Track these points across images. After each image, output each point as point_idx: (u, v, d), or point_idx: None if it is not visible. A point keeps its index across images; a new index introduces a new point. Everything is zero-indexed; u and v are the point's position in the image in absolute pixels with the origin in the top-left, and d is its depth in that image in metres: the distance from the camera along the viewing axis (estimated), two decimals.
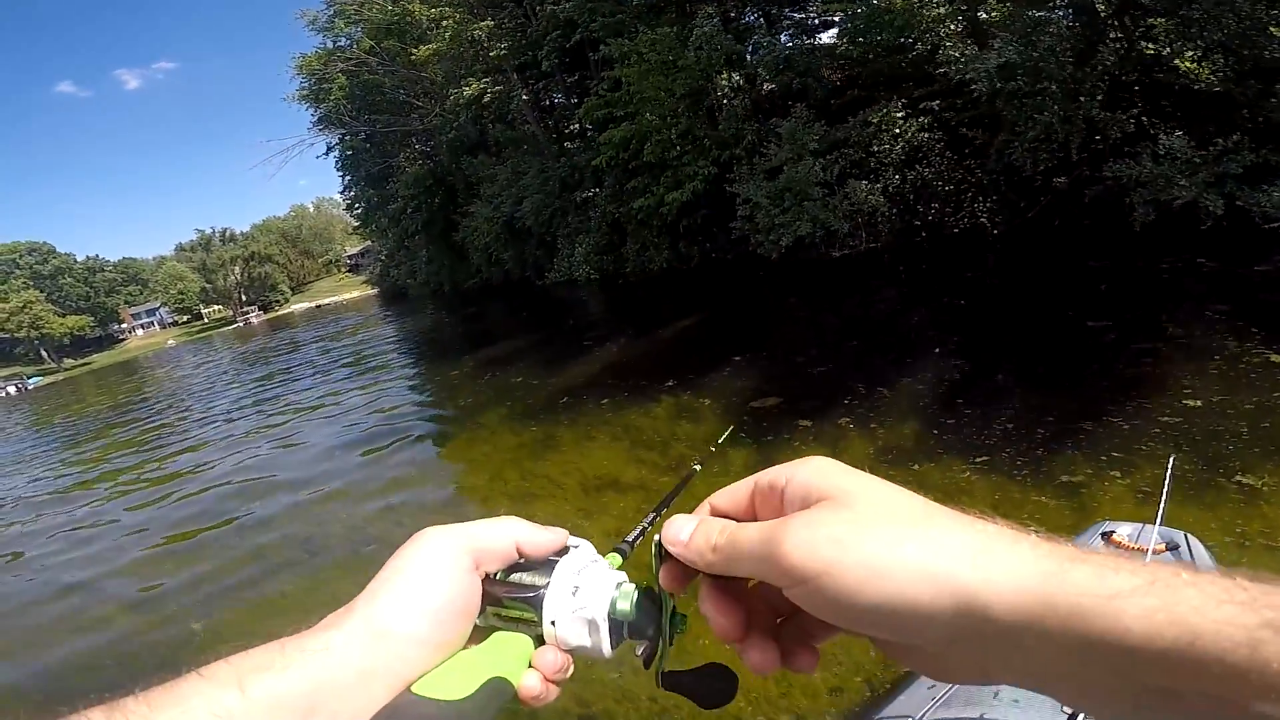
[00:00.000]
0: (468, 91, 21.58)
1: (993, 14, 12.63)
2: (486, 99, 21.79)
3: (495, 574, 0.50)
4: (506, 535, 0.50)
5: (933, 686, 1.84)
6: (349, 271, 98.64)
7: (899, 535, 0.34)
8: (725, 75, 15.63)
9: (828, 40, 17.14)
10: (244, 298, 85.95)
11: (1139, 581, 0.29)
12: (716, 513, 0.45)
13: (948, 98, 12.71)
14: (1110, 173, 10.17)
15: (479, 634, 0.48)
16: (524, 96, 22.69)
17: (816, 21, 17.98)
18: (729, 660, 0.47)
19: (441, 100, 26.32)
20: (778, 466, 0.42)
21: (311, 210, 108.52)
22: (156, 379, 29.02)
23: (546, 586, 0.48)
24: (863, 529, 0.34)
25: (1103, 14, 10.96)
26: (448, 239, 29.50)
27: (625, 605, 0.47)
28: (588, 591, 0.48)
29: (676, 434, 5.62)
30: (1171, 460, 2.26)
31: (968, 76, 11.37)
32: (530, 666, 0.47)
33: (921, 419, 4.84)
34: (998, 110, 11.64)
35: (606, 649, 0.48)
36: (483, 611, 0.49)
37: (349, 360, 17.01)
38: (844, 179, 13.21)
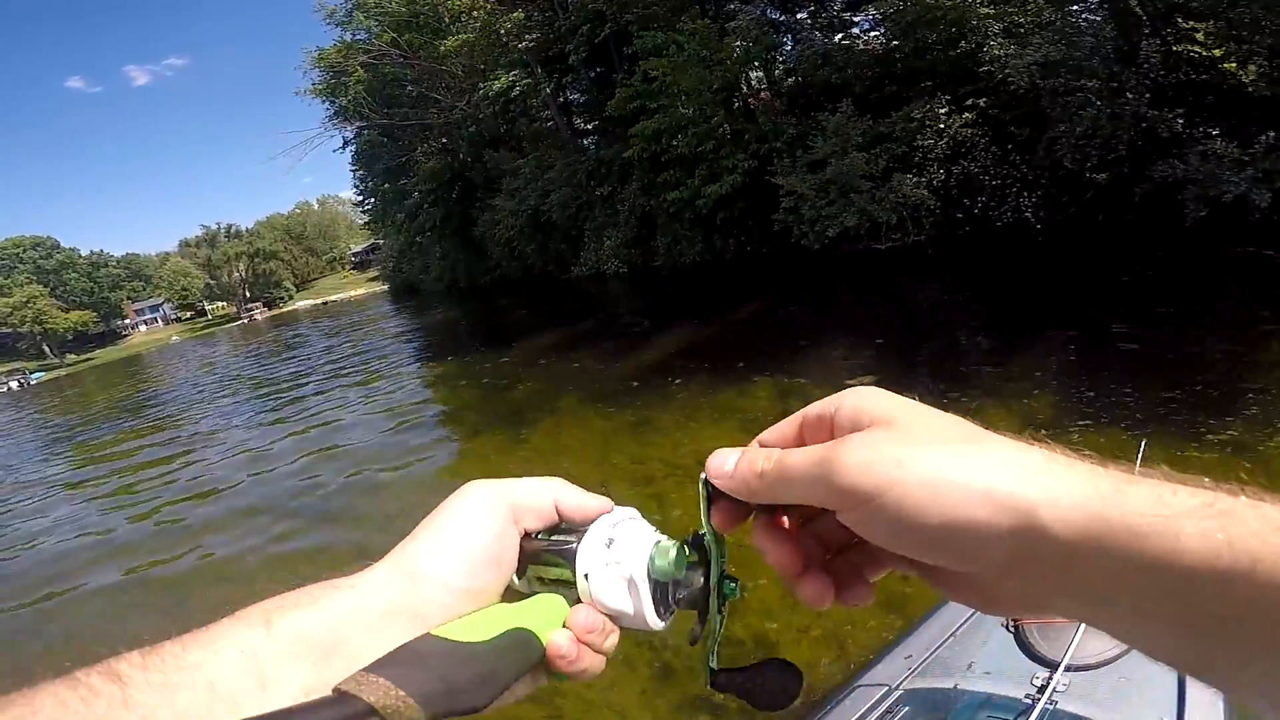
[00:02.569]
0: (497, 84, 21.45)
1: (1033, 16, 12.73)
2: (516, 92, 21.66)
3: (536, 534, 0.48)
4: (547, 493, 0.48)
5: (909, 656, 1.87)
6: (353, 269, 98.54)
7: (958, 454, 0.32)
8: (765, 69, 15.55)
9: (863, 35, 17.13)
10: (248, 294, 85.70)
11: (1197, 503, 0.28)
12: (765, 445, 0.42)
13: (993, 94, 12.71)
14: (1159, 172, 10.24)
15: (519, 598, 0.46)
16: (548, 90, 22.66)
17: (852, 18, 17.94)
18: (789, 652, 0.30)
19: (463, 94, 26.23)
20: (825, 399, 0.39)
21: (316, 207, 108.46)
22: (183, 373, 28.76)
23: (580, 539, 0.46)
24: (921, 448, 0.33)
25: (1144, 17, 10.99)
26: (465, 233, 29.33)
27: (664, 562, 0.44)
28: (623, 545, 0.45)
29: (789, 411, 5.42)
30: (1143, 444, 2.45)
31: (1006, 73, 11.59)
32: (564, 626, 0.44)
33: (1023, 394, 4.88)
34: (1043, 107, 11.66)
35: (650, 615, 0.45)
36: (524, 573, 0.47)
37: (396, 351, 16.91)
38: (889, 173, 13.18)
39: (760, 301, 11.14)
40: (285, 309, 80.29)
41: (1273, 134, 9.33)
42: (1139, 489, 0.29)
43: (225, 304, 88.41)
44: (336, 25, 30.28)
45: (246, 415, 12.25)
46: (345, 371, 14.96)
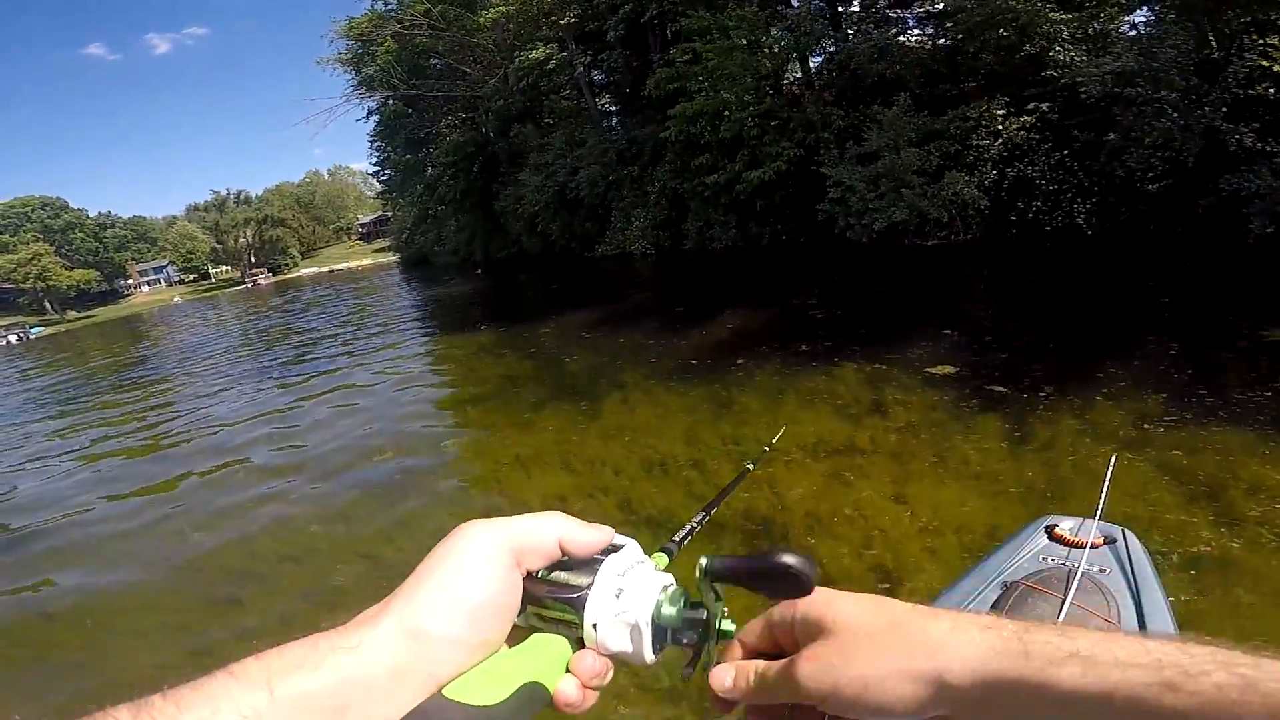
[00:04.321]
0: (534, 54, 20.97)
1: (1106, 22, 12.47)
2: (551, 64, 21.19)
3: (537, 572, 0.47)
4: (550, 531, 0.47)
5: None
6: (360, 239, 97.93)
7: (879, 651, 0.43)
8: (813, 60, 15.20)
9: (919, 31, 16.70)
10: (253, 259, 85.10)
11: (1065, 653, 0.37)
12: (746, 648, 0.51)
13: (1056, 99, 12.47)
14: (1228, 185, 10.02)
15: (518, 634, 0.46)
16: (581, 69, 22.20)
17: (904, 14, 17.49)
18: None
19: (492, 68, 25.76)
20: (782, 606, 0.49)
21: (326, 177, 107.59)
22: (195, 331, 28.34)
23: (590, 587, 0.46)
24: (851, 654, 0.43)
25: (1231, 30, 10.75)
26: (485, 207, 29.01)
27: (671, 610, 0.47)
28: (632, 594, 0.46)
29: (880, 400, 5.19)
30: (1113, 458, 2.44)
31: (1078, 80, 11.47)
32: (568, 671, 0.45)
33: (1100, 389, 4.86)
34: (1112, 115, 11.48)
35: (649, 655, 0.46)
36: (523, 611, 0.46)
37: (424, 318, 16.47)
38: (941, 170, 12.94)
39: (810, 289, 10.75)
40: (289, 275, 79.74)
41: None
42: (1025, 641, 0.39)
43: (230, 268, 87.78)
44: None
45: (294, 373, 11.69)
46: (377, 337, 14.63)
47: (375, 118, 35.35)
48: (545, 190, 22.71)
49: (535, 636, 0.46)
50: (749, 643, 0.51)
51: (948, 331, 7.04)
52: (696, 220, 17.92)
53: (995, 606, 1.70)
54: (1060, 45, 12.46)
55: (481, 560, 0.44)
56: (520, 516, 0.47)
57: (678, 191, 18.25)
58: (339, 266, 73.86)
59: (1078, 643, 0.37)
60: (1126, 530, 1.99)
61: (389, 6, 29.00)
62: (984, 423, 4.62)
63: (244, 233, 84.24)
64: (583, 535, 0.48)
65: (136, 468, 7.65)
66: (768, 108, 15.40)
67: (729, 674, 0.50)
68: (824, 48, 16.15)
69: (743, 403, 5.67)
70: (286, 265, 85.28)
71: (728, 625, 0.48)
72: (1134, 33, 12.75)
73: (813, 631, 0.46)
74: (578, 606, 0.45)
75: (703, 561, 0.47)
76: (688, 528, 0.62)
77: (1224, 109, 10.34)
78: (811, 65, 16.91)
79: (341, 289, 34.00)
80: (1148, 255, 10.15)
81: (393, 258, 61.12)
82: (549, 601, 0.46)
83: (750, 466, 1.01)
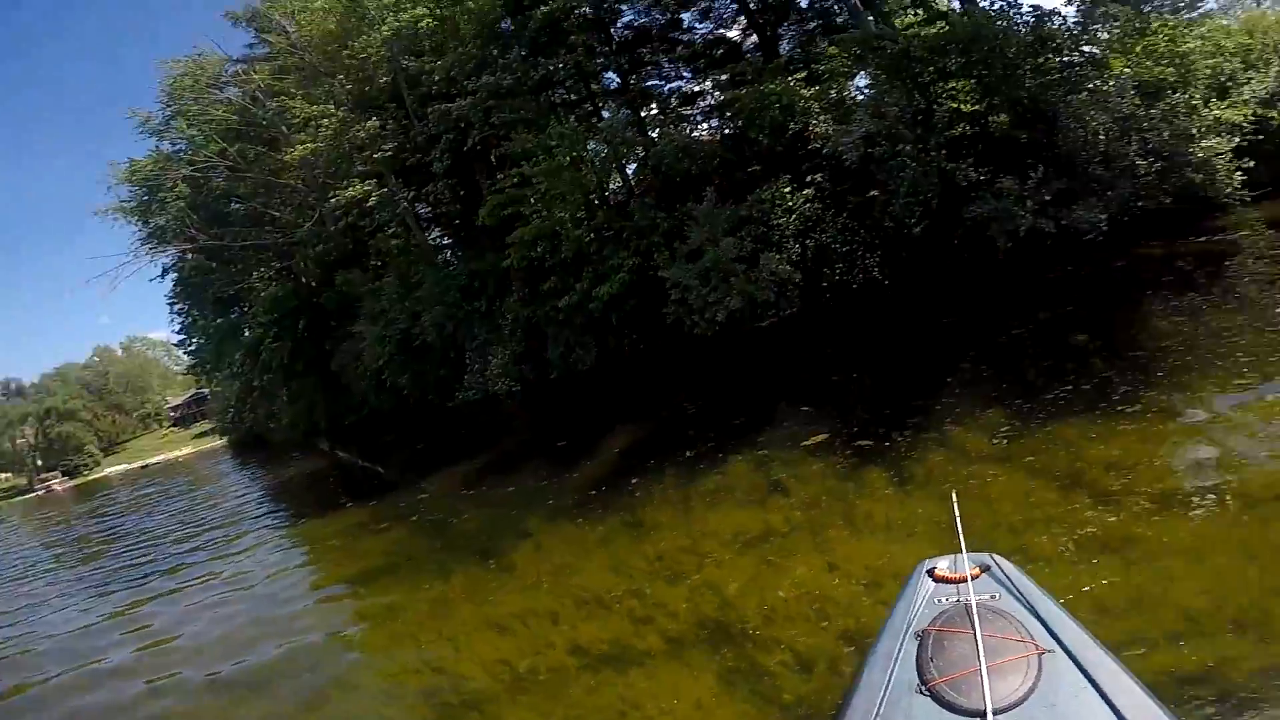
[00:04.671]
0: (349, 193, 20.37)
1: (839, 92, 14.93)
2: (371, 201, 20.79)
3: None
4: None
5: None
6: (174, 425, 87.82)
7: None
8: (632, 166, 16.35)
9: (707, 126, 18.89)
10: (40, 462, 73.15)
11: None
12: None
13: (827, 169, 14.29)
14: (969, 213, 12.11)
15: None
16: (405, 203, 21.95)
17: (693, 112, 19.89)
18: None
19: (306, 210, 24.68)
20: None
21: (120, 353, 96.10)
22: None
23: None
24: None
25: (924, 81, 13.06)
26: (321, 369, 26.64)
27: None
28: None
29: (773, 479, 5.44)
30: (954, 494, 2.70)
31: (839, 148, 13.20)
32: None
33: (957, 422, 5.59)
34: (871, 174, 13.36)
35: None
36: None
37: (275, 507, 14.58)
38: (756, 254, 13.90)
39: (677, 392, 11.20)
40: (92, 476, 69.21)
41: (1045, 170, 11.66)
42: None
43: (11, 475, 74.62)
44: (152, 134, 27.17)
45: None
46: (226, 529, 12.85)
47: (173, 275, 31.43)
48: (387, 341, 21.16)
49: None
50: None
51: (805, 406, 7.68)
52: (557, 346, 17.49)
53: (919, 658, 1.79)
54: (814, 119, 14.34)
55: None
56: None
57: (531, 320, 17.83)
58: (154, 460, 65.33)
59: None
60: (994, 555, 2.18)
61: (177, 147, 26.73)
62: (870, 477, 5.02)
63: (22, 432, 72.62)
64: None
65: None
66: (601, 221, 15.81)
67: None
68: (636, 154, 17.14)
69: (654, 519, 5.69)
70: (86, 466, 74.07)
71: None
72: (861, 97, 15.23)
73: None
74: None
75: None
76: None
77: (944, 151, 12.43)
78: (629, 172, 17.89)
79: (165, 485, 29.99)
80: (930, 290, 12.06)
81: (219, 442, 54.98)
82: None
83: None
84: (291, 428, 31.03)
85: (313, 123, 20.56)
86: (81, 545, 17.23)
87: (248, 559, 9.67)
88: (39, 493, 63.47)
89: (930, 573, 2.14)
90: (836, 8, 17.91)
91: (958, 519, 2.28)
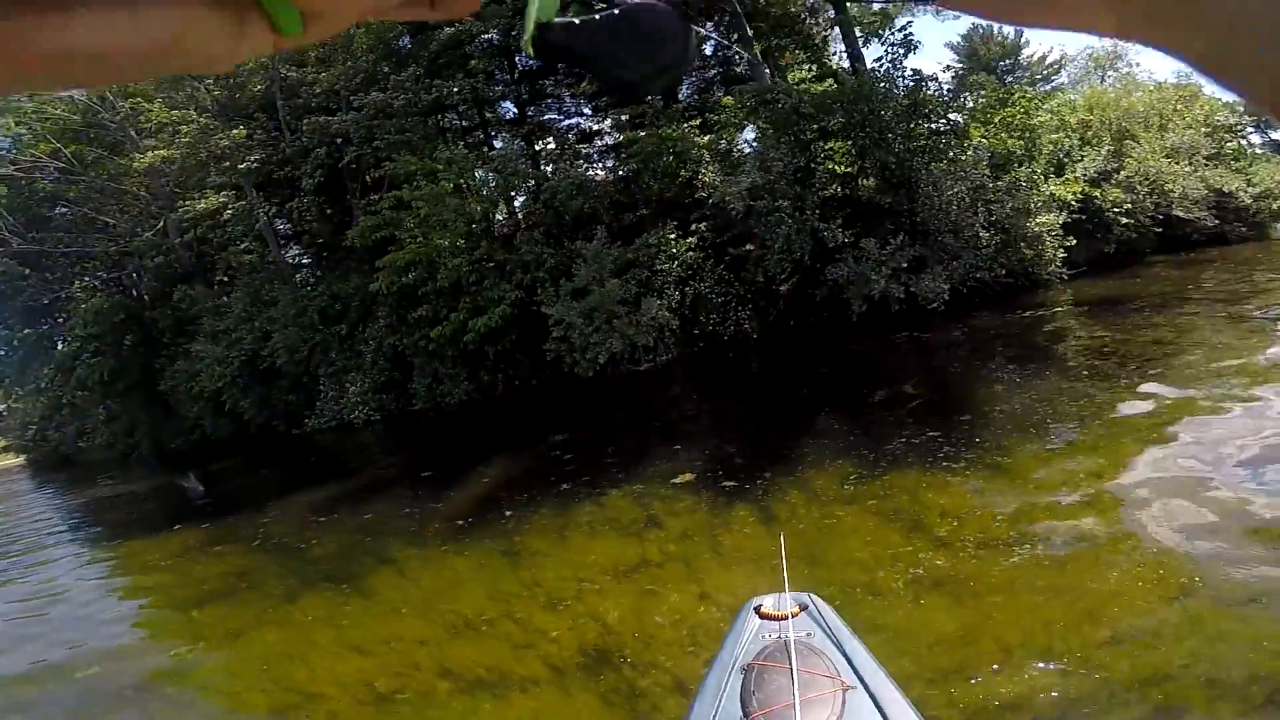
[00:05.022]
0: (203, 205, 18.85)
1: (731, 144, 15.72)
2: (227, 214, 19.34)
3: None
4: None
5: None
6: None
7: None
8: (527, 197, 16.21)
9: (602, 165, 19.14)
10: None
11: None
12: None
13: (711, 219, 14.86)
14: (829, 275, 12.95)
15: None
16: (265, 217, 20.76)
17: (589, 150, 20.23)
18: None
19: (146, 218, 22.61)
20: None
21: None
22: None
23: None
24: None
25: (806, 139, 13.77)
26: (148, 388, 24.18)
27: None
28: None
29: (652, 515, 5.64)
30: (781, 536, 3.04)
31: (725, 198, 13.69)
32: None
33: (810, 464, 6.13)
34: (750, 227, 13.93)
35: None
36: None
37: (115, 522, 12.44)
38: (639, 298, 14.22)
39: (551, 429, 11.08)
40: None
41: (903, 236, 12.57)
42: None
43: None
44: None
45: None
46: (27, 555, 10.95)
47: None
48: (229, 362, 19.39)
49: None
50: None
51: (677, 446, 8.02)
52: (424, 377, 16.83)
53: (742, 691, 1.90)
54: (704, 167, 14.95)
55: None
56: None
57: (397, 348, 17.05)
58: None
59: None
60: (813, 595, 2.33)
61: (1, 144, 23.83)
62: (736, 513, 5.33)
63: None
64: None
65: None
66: (484, 252, 15.51)
67: None
68: (528, 187, 17.02)
69: (531, 547, 5.55)
70: None
71: None
72: (749, 149, 15.72)
73: None
74: None
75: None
76: None
77: (817, 210, 13.10)
78: (517, 204, 17.70)
79: None
80: (793, 346, 12.82)
81: (14, 460, 47.39)
82: None
83: None
84: (108, 448, 27.80)
85: (169, 128, 19.04)
86: None
87: (54, 580, 8.50)
88: None
89: (757, 609, 2.26)
90: (737, 57, 18.68)
91: (784, 559, 2.46)
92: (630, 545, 5.12)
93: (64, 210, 24.43)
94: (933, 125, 13.54)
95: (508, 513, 6.88)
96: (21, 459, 42.82)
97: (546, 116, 20.35)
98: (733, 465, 6.59)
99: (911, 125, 13.16)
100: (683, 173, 15.16)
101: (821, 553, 4.34)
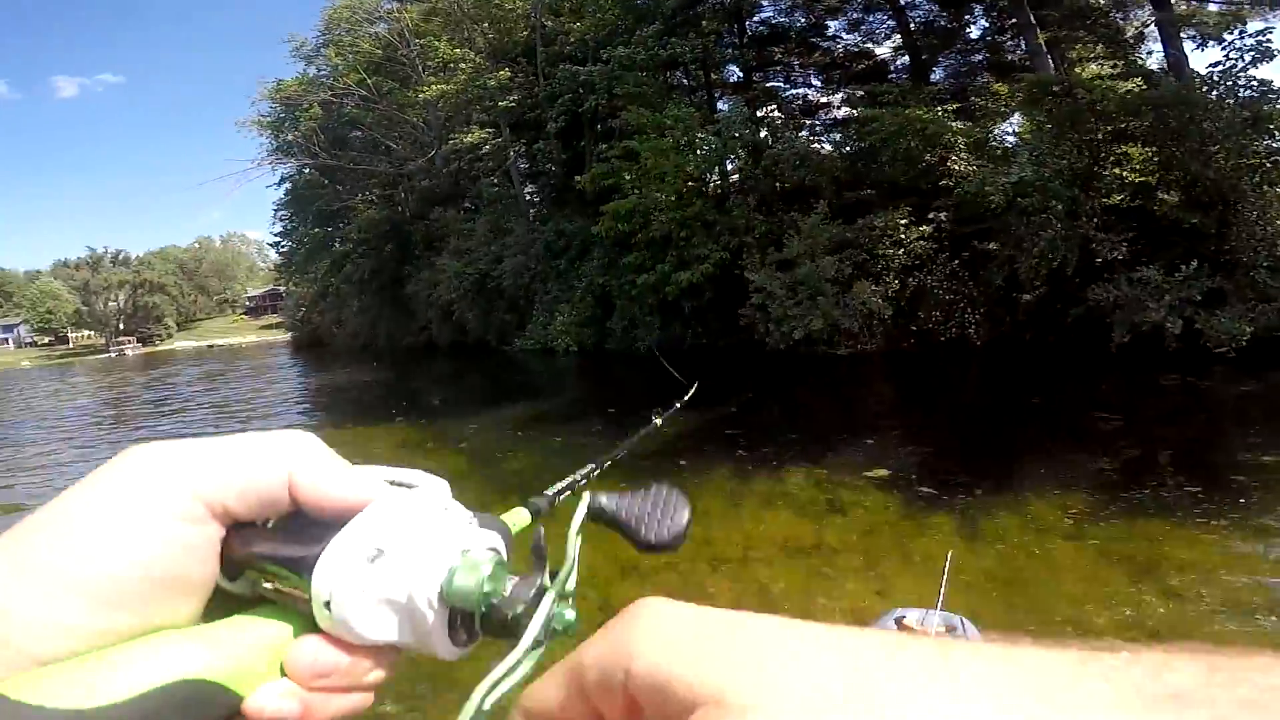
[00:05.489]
0: (469, 137, 21.30)
1: (1008, 136, 14.02)
2: (486, 149, 21.60)
3: (266, 520, 0.32)
4: (273, 468, 0.30)
5: None
6: (246, 314, 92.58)
7: None
8: (744, 162, 16.21)
9: (828, 139, 18.43)
10: (121, 326, 78.16)
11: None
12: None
13: (953, 209, 13.50)
14: (1093, 296, 11.08)
15: (234, 609, 0.31)
16: (513, 156, 22.74)
17: (814, 123, 19.49)
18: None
19: (419, 146, 25.91)
20: (601, 643, 0.25)
21: (218, 244, 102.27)
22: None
23: (325, 545, 0.29)
24: None
25: (1096, 139, 11.96)
26: (394, 290, 28.17)
27: (469, 583, 0.29)
28: (404, 555, 0.29)
29: (839, 502, 5.43)
30: (949, 554, 2.74)
31: (986, 189, 12.16)
32: (281, 673, 0.29)
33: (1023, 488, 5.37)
34: (1007, 224, 12.30)
35: (441, 647, 0.30)
36: (239, 575, 0.31)
37: (339, 406, 15.28)
38: (851, 279, 13.52)
39: (735, 394, 10.99)
40: (161, 347, 73.58)
41: (1194, 263, 10.35)
42: (1215, 709, 0.19)
43: (94, 334, 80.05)
44: (302, 59, 29.38)
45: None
46: (278, 419, 13.54)
47: (286, 186, 34.22)
48: (465, 277, 22.15)
49: (248, 617, 0.30)
50: (545, 713, 0.27)
51: (870, 440, 7.50)
52: (622, 319, 17.83)
53: None
54: (956, 155, 13.71)
55: (135, 508, 0.28)
56: (227, 439, 0.31)
57: (605, 288, 18.23)
58: (219, 342, 69.03)
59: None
60: (964, 619, 2.18)
61: (321, 72, 28.67)
62: (933, 521, 4.86)
63: (116, 296, 77.70)
64: (327, 483, 0.30)
65: None
66: (697, 210, 15.81)
67: None
68: (745, 152, 16.96)
69: (704, 505, 5.58)
70: (159, 336, 78.82)
71: (567, 614, 0.31)
72: (1011, 141, 14.45)
73: (684, 705, 0.22)
74: (304, 570, 0.29)
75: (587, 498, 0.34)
76: (569, 480, 0.47)
77: (1095, 218, 11.37)
78: (730, 167, 17.75)
79: (226, 367, 31.62)
80: (1026, 364, 11.25)
81: (281, 336, 58.00)
82: (268, 566, 0.30)
83: (657, 421, 0.88)
84: (353, 337, 32.86)
85: (450, 66, 21.43)
86: (143, 412, 18.23)
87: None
88: (111, 355, 67.76)
89: (899, 621, 2.16)
90: (1010, 44, 17.12)
91: (945, 576, 2.34)
92: (807, 526, 4.93)
93: (358, 134, 28.80)
94: (1276, 144, 11.01)
95: (681, 462, 6.99)
96: (288, 335, 52.13)
97: (772, 83, 19.91)
98: (934, 472, 6.05)
99: (1246, 141, 10.87)
100: (928, 157, 13.98)
101: (1028, 580, 3.94)
